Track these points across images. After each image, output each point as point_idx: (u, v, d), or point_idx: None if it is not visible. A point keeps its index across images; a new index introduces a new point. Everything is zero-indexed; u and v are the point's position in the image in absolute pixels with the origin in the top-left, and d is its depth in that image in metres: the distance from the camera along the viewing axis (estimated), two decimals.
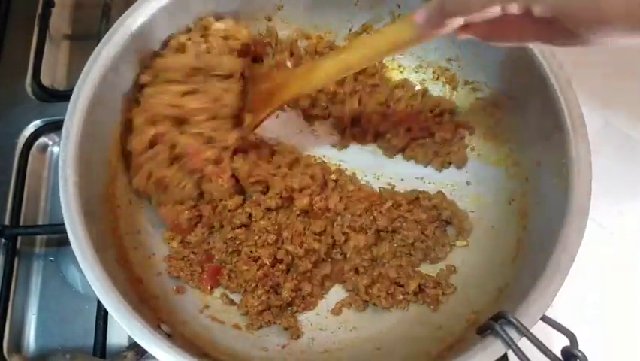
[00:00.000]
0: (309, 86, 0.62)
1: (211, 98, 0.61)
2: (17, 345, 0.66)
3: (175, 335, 0.52)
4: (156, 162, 0.61)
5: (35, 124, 0.76)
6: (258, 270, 0.62)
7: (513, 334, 0.47)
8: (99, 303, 0.64)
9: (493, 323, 0.48)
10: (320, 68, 0.59)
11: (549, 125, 0.59)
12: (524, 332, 0.46)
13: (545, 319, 0.48)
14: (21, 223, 0.70)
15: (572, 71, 0.58)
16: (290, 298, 0.62)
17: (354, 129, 0.72)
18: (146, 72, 0.62)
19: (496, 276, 0.61)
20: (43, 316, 0.67)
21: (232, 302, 0.64)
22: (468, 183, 0.71)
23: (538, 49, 0.59)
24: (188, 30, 0.65)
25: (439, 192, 0.68)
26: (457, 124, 0.71)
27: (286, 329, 0.63)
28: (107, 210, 0.59)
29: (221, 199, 0.64)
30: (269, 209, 0.64)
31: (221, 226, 0.65)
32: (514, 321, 0.47)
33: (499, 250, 0.63)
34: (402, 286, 0.64)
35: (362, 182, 0.70)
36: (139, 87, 0.63)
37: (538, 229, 0.58)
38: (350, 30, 0.74)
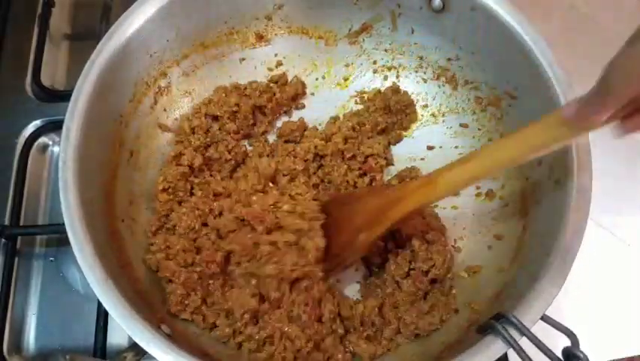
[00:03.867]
0: (429, 198, 0.57)
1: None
2: (17, 345, 0.66)
3: (175, 335, 0.52)
4: None
5: (35, 124, 0.76)
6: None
7: (514, 333, 0.47)
8: (99, 303, 0.63)
9: (494, 322, 0.48)
10: (441, 179, 0.55)
11: None
12: (525, 332, 0.46)
13: (546, 318, 0.48)
14: (21, 223, 0.70)
15: (572, 71, 0.58)
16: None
17: None
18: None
19: (496, 276, 0.61)
20: (43, 316, 0.67)
21: None
22: None
23: (538, 49, 0.59)
24: None
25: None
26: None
27: None
28: (107, 210, 0.59)
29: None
30: None
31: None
32: (515, 321, 0.47)
33: (499, 250, 0.63)
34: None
35: None
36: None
37: (538, 229, 0.58)
38: (350, 30, 0.74)
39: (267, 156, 0.71)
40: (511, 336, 0.46)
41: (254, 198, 0.64)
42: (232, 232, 0.63)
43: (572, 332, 0.45)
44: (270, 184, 0.68)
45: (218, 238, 0.63)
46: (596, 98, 0.41)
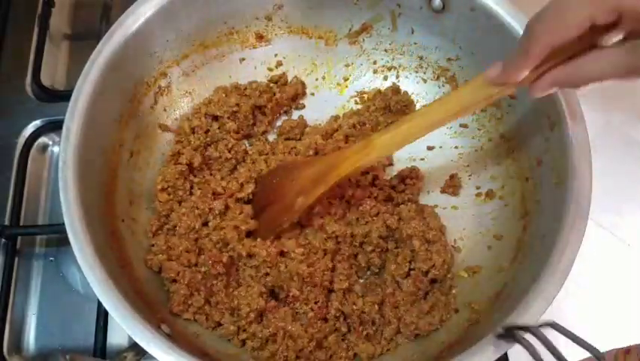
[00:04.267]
0: (364, 161, 0.59)
1: None
2: (17, 345, 0.66)
3: (175, 335, 0.52)
4: None
5: (35, 124, 0.76)
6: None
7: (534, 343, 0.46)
8: (99, 303, 0.63)
9: (515, 331, 0.46)
10: (377, 142, 0.58)
11: (549, 125, 0.59)
12: (567, 334, 0.44)
13: (567, 333, 0.45)
14: (21, 223, 0.70)
15: None
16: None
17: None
18: None
19: (496, 276, 0.61)
20: (43, 316, 0.67)
21: None
22: (469, 178, 0.71)
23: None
24: None
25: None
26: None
27: None
28: (107, 210, 0.59)
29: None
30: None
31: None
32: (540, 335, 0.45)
33: (499, 250, 0.63)
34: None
35: None
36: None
37: (538, 229, 0.58)
38: (350, 30, 0.74)
39: (267, 154, 0.71)
40: (535, 349, 0.44)
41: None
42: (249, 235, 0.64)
43: (596, 350, 0.42)
44: None
45: (223, 242, 0.63)
46: (518, 56, 0.45)
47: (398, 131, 0.57)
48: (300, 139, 0.72)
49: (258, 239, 0.63)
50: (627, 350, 0.57)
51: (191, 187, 0.67)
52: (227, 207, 0.65)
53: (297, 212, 0.63)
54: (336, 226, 0.64)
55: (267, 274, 0.62)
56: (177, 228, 0.63)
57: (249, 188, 0.67)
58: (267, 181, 0.66)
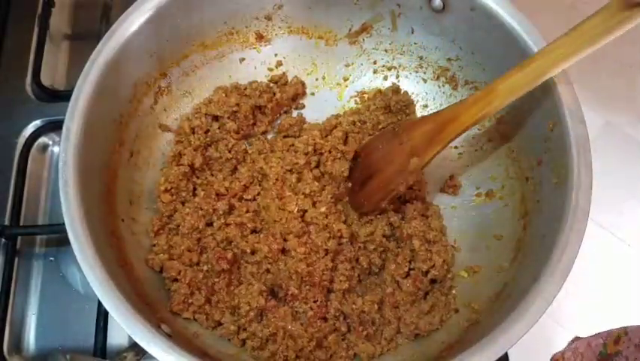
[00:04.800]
0: (487, 110, 0.56)
1: None
2: (17, 345, 0.66)
3: (175, 334, 0.52)
4: None
5: (35, 124, 0.76)
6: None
7: None
8: (99, 303, 0.64)
9: None
10: (501, 87, 0.54)
11: (549, 125, 0.59)
12: None
13: None
14: (21, 223, 0.70)
15: (572, 71, 0.58)
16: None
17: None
18: None
19: (496, 276, 0.61)
20: (43, 316, 0.67)
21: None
22: (469, 178, 0.71)
23: (538, 49, 0.59)
24: None
25: None
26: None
27: None
28: (107, 210, 0.59)
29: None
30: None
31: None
32: None
33: (499, 250, 0.63)
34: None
35: None
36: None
37: (538, 229, 0.58)
38: (350, 29, 0.74)
39: (266, 152, 0.71)
40: None
41: (272, 205, 0.65)
42: (253, 232, 0.65)
43: None
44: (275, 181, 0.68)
45: (226, 241, 0.64)
46: None
47: (525, 73, 0.53)
48: (299, 136, 0.72)
49: (261, 235, 0.63)
50: (616, 341, 0.57)
51: (194, 188, 0.67)
52: (230, 207, 0.66)
53: (412, 173, 0.61)
54: (342, 225, 0.64)
55: (267, 270, 0.62)
56: (180, 227, 0.64)
57: (255, 190, 0.67)
58: (369, 150, 0.65)
